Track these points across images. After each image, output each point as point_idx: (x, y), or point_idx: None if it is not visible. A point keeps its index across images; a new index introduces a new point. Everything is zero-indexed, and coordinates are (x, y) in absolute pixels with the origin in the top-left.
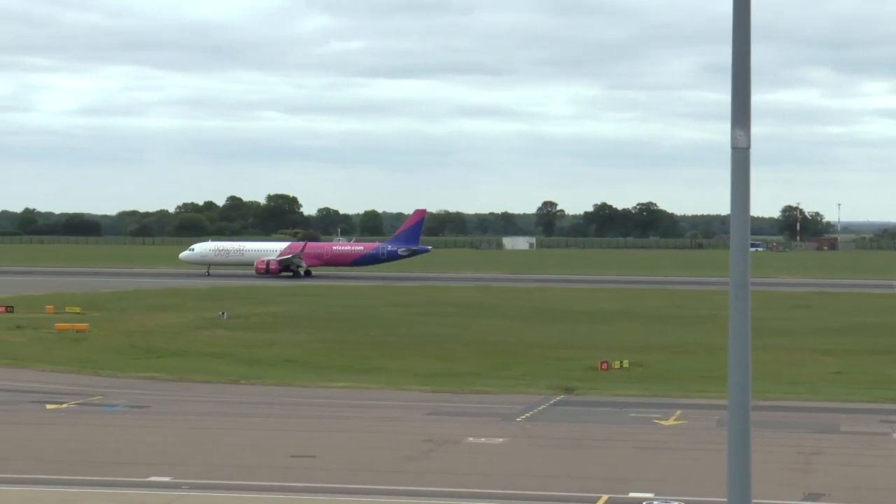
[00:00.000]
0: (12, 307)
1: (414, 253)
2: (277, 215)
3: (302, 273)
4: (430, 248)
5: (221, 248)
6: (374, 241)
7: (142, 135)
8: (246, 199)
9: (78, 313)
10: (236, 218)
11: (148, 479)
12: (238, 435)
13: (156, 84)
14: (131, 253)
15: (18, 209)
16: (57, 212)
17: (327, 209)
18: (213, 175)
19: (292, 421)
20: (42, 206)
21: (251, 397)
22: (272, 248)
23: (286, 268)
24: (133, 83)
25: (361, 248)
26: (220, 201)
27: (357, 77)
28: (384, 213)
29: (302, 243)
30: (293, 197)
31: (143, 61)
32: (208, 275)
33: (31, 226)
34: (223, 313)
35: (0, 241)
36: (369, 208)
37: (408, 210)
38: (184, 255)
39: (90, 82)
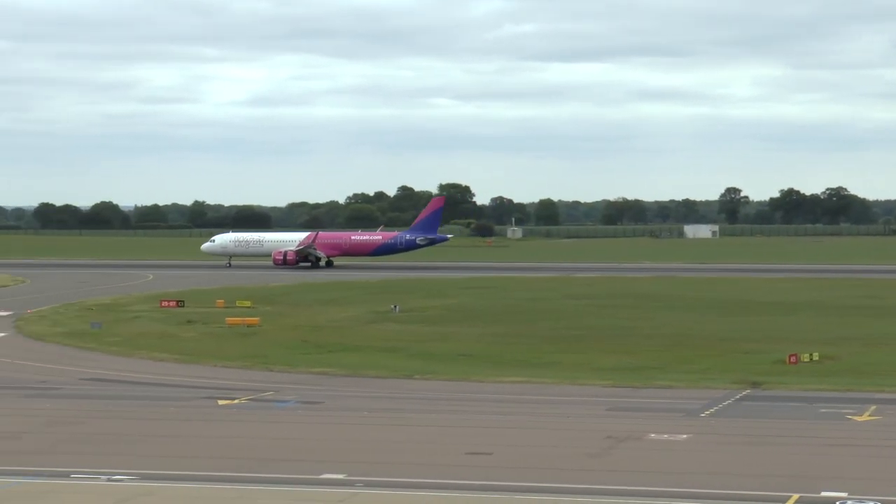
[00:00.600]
0: (183, 302)
1: (432, 242)
2: (450, 205)
3: (323, 264)
4: (448, 237)
5: (241, 239)
6: (394, 231)
7: (311, 124)
8: (417, 188)
9: (249, 307)
10: (408, 208)
11: (321, 476)
12: (412, 431)
13: (325, 72)
14: None
15: (188, 202)
16: (226, 204)
17: (501, 198)
18: (384, 164)
19: (467, 417)
20: (211, 199)
21: (425, 393)
22: (291, 239)
23: (304, 258)
24: (301, 72)
25: (380, 237)
26: (392, 191)
27: (531, 61)
28: (559, 201)
29: (314, 233)
30: (465, 186)
31: (311, 49)
32: (229, 266)
33: (200, 219)
34: (395, 306)
35: (170, 235)
36: (544, 197)
37: (584, 198)
38: (205, 246)
39: (258, 72)
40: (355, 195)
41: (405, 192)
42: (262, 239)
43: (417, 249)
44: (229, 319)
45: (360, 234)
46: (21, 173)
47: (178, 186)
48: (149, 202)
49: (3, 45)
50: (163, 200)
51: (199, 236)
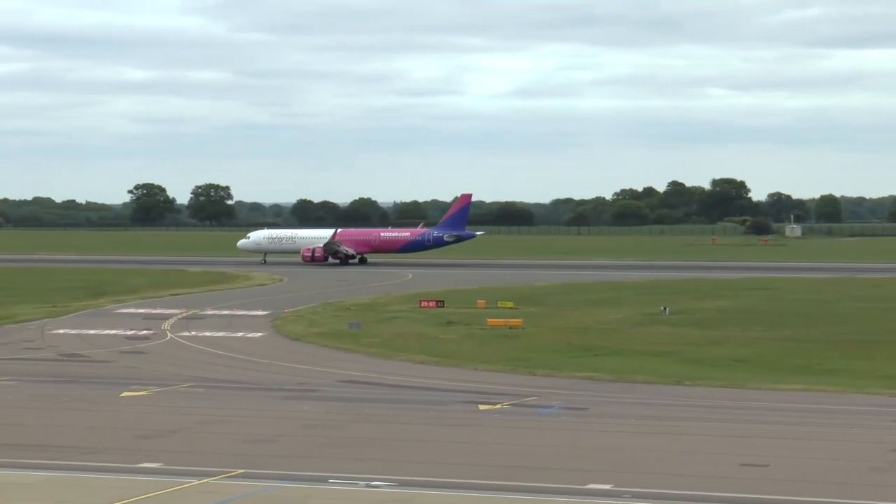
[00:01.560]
0: (443, 302)
1: (459, 239)
2: (723, 201)
3: (356, 261)
4: (476, 234)
5: (275, 235)
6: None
7: (578, 117)
8: (689, 184)
9: (511, 308)
10: (678, 205)
11: (586, 486)
12: (682, 441)
13: (593, 62)
14: (566, 244)
15: (448, 198)
16: (488, 200)
17: (778, 194)
18: (654, 158)
19: (742, 426)
20: (474, 195)
21: (697, 400)
22: (322, 236)
23: (334, 254)
24: (568, 62)
25: (408, 233)
26: (661, 187)
27: (815, 48)
28: (842, 197)
29: (333, 230)
30: (741, 181)
31: (579, 38)
32: (264, 263)
33: None
34: (665, 308)
35: None
36: (826, 192)
37: (869, 194)
38: (240, 243)
39: (524, 62)
40: (623, 191)
41: (675, 187)
42: (294, 236)
43: (445, 246)
44: (491, 321)
45: (389, 231)
46: (280, 168)
47: (438, 182)
48: (408, 198)
49: (264, 38)
50: (422, 196)
51: None
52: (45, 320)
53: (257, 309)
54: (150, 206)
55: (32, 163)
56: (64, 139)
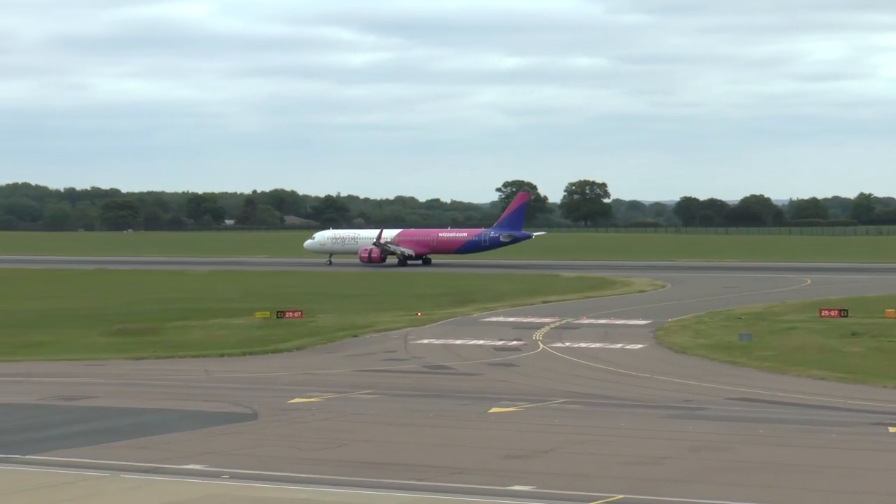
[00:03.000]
0: (846, 311)
1: (515, 240)
2: None
3: (419, 262)
4: (532, 234)
5: (338, 236)
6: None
7: None
8: None
9: None
10: None
11: None
12: None
13: None
14: None
15: (852, 195)
16: None
17: None
18: None
19: None
20: (880, 191)
21: None
22: (385, 237)
23: (391, 254)
24: None
25: (465, 234)
26: None
27: None
28: None
29: (379, 230)
30: None
31: None
32: (330, 264)
33: (866, 214)
34: None
35: (831, 233)
36: None
37: None
38: (307, 243)
39: None
40: None
41: None
42: (357, 236)
43: (502, 247)
44: None
45: (448, 231)
46: (661, 164)
47: (841, 177)
48: (806, 195)
49: (644, 19)
50: (822, 193)
51: (864, 234)
52: (408, 329)
53: (637, 318)
54: None
55: (395, 159)
56: (428, 134)
